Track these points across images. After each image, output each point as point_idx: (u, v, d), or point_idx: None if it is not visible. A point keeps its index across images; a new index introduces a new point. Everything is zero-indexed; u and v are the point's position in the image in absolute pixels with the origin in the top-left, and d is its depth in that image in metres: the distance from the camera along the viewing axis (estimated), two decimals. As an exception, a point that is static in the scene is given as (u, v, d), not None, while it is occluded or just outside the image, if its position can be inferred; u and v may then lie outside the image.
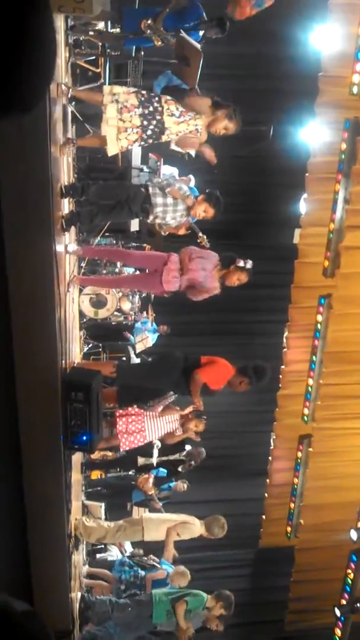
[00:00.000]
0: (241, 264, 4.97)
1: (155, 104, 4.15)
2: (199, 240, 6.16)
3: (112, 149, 4.15)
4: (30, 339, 3.19)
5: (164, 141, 4.43)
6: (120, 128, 4.06)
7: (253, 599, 8.47)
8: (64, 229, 3.81)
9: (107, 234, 7.09)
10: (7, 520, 3.57)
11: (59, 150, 3.82)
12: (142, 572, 6.77)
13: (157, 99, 4.20)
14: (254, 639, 8.12)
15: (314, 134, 7.48)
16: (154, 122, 4.16)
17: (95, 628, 5.41)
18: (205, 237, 6.25)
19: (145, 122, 4.12)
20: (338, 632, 7.19)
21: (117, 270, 7.73)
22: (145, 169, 6.46)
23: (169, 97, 4.29)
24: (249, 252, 7.43)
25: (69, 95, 4.45)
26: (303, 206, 7.80)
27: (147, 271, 5.14)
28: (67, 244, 4.23)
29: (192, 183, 5.40)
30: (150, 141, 4.28)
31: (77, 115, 5.08)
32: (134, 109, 4.06)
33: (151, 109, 4.12)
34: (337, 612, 6.96)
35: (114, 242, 7.99)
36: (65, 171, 4.29)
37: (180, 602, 5.29)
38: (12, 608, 1.26)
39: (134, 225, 6.94)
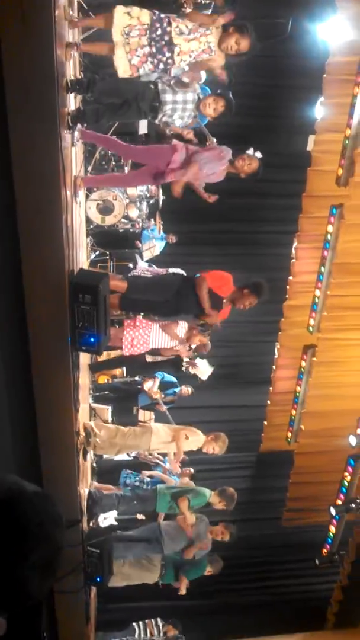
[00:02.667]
0: (250, 151, 4.82)
1: (165, 25, 3.94)
2: (208, 144, 5.99)
3: (121, 67, 3.93)
4: (37, 242, 3.17)
5: (177, 64, 4.18)
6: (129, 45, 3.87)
7: (252, 498, 8.89)
8: (69, 126, 3.68)
9: (114, 137, 6.86)
10: (17, 417, 3.69)
11: (64, 47, 3.63)
12: (147, 478, 7.09)
13: (167, 19, 3.97)
14: (252, 535, 8.57)
15: (334, 31, 7.02)
16: (163, 42, 3.95)
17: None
18: (214, 140, 6.06)
19: (153, 43, 3.92)
20: (332, 529, 7.60)
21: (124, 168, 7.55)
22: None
23: (177, 16, 4.06)
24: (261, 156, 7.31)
25: None
26: (319, 110, 7.48)
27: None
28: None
29: (203, 79, 5.15)
30: (162, 65, 4.05)
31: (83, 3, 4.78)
32: (143, 31, 3.85)
33: (159, 32, 3.91)
34: (333, 511, 7.33)
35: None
36: (71, 66, 4.09)
37: (182, 498, 5.57)
38: (24, 487, 1.31)
39: (142, 127, 6.70)
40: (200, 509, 5.93)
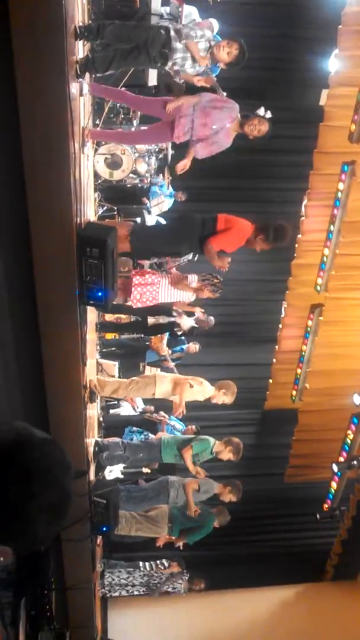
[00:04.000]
0: (261, 111, 4.70)
1: None
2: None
3: None
4: (44, 194, 3.14)
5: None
6: None
7: (256, 454, 9.03)
8: (78, 75, 3.61)
9: (123, 88, 6.72)
10: (25, 370, 3.73)
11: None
12: (152, 436, 7.20)
13: None
14: (255, 490, 8.73)
15: (350, -21, 6.79)
16: None
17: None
18: (224, 94, 5.92)
19: None
20: (334, 485, 7.73)
21: (133, 129, 7.44)
22: (166, 15, 5.98)
23: None
24: (271, 114, 7.15)
25: None
26: (333, 63, 7.27)
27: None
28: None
29: (216, 29, 5.00)
30: None
31: None
32: None
33: None
34: (335, 468, 7.45)
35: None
36: (80, 11, 3.98)
37: (186, 447, 5.65)
38: (33, 432, 1.33)
39: (152, 79, 6.57)
40: (208, 467, 6.03)
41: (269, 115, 4.69)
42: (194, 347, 7.62)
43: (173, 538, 6.22)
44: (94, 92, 5.01)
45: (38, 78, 2.83)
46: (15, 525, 1.20)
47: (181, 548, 6.36)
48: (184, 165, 4.95)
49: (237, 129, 4.76)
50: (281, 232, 4.85)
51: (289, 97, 8.04)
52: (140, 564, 7.52)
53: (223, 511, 6.16)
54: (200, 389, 5.76)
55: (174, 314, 7.01)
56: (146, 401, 7.65)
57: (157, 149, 7.70)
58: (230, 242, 4.85)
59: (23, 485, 1.19)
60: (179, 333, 7.43)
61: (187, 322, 7.26)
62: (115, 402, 7.69)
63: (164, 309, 6.39)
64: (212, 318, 7.43)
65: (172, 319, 6.97)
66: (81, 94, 3.80)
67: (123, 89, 5.54)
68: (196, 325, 7.26)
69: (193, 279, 5.96)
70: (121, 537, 6.26)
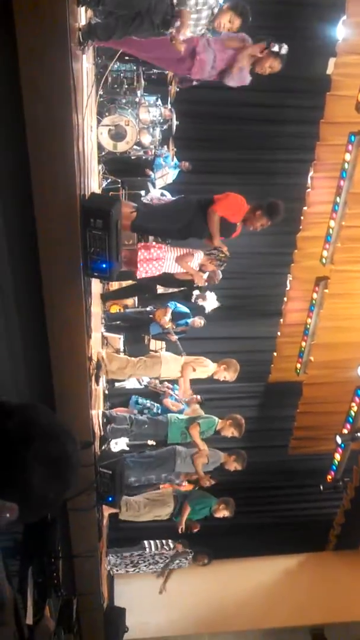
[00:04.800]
0: (275, 48, 4.57)
1: None
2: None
3: None
4: (48, 165, 3.11)
5: None
6: None
7: (260, 427, 9.08)
8: (80, 43, 3.54)
9: (126, 57, 6.61)
10: (30, 342, 3.74)
11: None
12: (158, 405, 7.26)
13: None
14: (259, 462, 8.81)
15: None
16: None
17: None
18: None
19: None
20: (337, 457, 7.79)
21: (136, 100, 7.33)
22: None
23: None
24: (276, 83, 7.02)
25: None
26: (341, 31, 7.09)
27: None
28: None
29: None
30: None
31: None
32: None
33: None
34: (339, 440, 7.50)
35: (134, 67, 7.49)
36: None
37: (193, 424, 5.74)
38: (39, 405, 1.34)
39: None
40: (212, 440, 6.12)
41: (284, 50, 4.54)
42: (199, 321, 7.61)
43: (181, 528, 6.37)
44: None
45: (40, 45, 2.78)
46: (12, 474, 1.21)
47: (194, 531, 6.54)
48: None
49: (249, 60, 4.59)
50: (275, 208, 4.90)
51: (295, 66, 7.80)
52: (145, 543, 7.63)
53: (228, 501, 6.30)
54: (204, 369, 5.85)
55: (194, 297, 7.04)
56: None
57: (161, 120, 7.60)
58: (231, 206, 4.90)
59: (23, 427, 1.22)
60: (195, 295, 7.39)
61: (211, 303, 7.29)
62: (121, 375, 7.73)
63: (173, 280, 6.38)
64: (219, 272, 7.40)
65: (183, 289, 6.97)
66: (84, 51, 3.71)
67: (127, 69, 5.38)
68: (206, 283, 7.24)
69: (199, 256, 5.94)
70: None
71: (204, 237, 5.12)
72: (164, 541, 7.70)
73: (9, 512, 1.16)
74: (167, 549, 7.54)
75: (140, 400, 6.97)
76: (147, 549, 7.50)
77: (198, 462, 5.88)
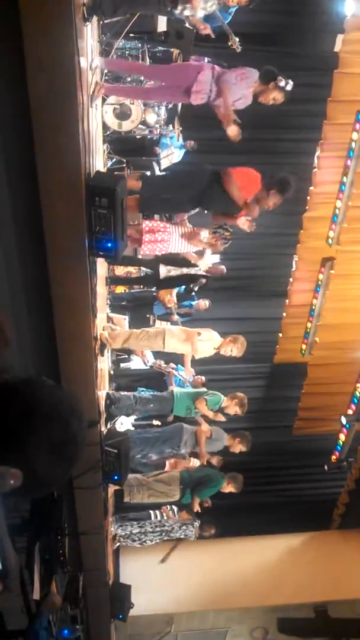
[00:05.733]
0: (282, 83, 4.65)
1: None
2: (230, 44, 5.68)
3: None
4: (52, 143, 3.08)
5: None
6: None
7: (265, 407, 9.12)
8: (85, 18, 3.50)
9: (131, 34, 6.53)
10: (36, 321, 3.75)
11: None
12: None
13: None
14: (264, 442, 8.86)
15: None
16: None
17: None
18: (237, 40, 5.75)
19: None
20: (342, 437, 7.82)
21: (141, 78, 7.25)
22: None
23: None
24: (283, 61, 6.93)
25: None
26: (349, 6, 6.98)
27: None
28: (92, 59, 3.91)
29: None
30: None
31: None
32: None
33: None
34: (343, 420, 7.53)
35: (139, 45, 7.40)
36: None
37: (199, 399, 5.77)
38: (45, 379, 1.33)
39: (161, 24, 6.34)
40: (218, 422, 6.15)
41: (289, 87, 4.61)
42: (203, 303, 7.60)
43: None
44: (108, 67, 4.92)
45: (44, 20, 2.75)
46: (14, 457, 1.19)
47: (196, 510, 6.57)
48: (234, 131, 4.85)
49: (256, 92, 4.69)
50: (286, 184, 4.86)
51: (302, 43, 7.75)
52: (151, 513, 7.70)
53: (236, 477, 6.31)
54: (209, 336, 5.82)
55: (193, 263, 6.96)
56: (156, 356, 7.69)
57: (166, 100, 7.52)
58: (246, 176, 4.89)
59: (25, 417, 1.19)
60: (195, 288, 7.38)
61: (206, 262, 7.21)
62: (126, 356, 7.74)
63: (175, 260, 6.35)
64: (223, 267, 7.38)
65: (185, 271, 6.93)
66: (92, 67, 3.71)
67: (140, 62, 5.41)
68: (209, 274, 7.21)
69: (205, 235, 5.91)
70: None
71: (213, 210, 5.08)
72: (168, 506, 7.77)
73: (13, 479, 1.16)
74: (172, 514, 7.62)
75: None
76: (152, 517, 7.59)
77: (201, 436, 5.92)
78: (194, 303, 7.84)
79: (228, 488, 6.36)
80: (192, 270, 6.92)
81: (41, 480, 1.25)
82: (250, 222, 5.28)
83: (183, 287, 7.40)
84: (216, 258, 7.55)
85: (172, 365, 7.30)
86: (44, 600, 4.01)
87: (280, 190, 4.87)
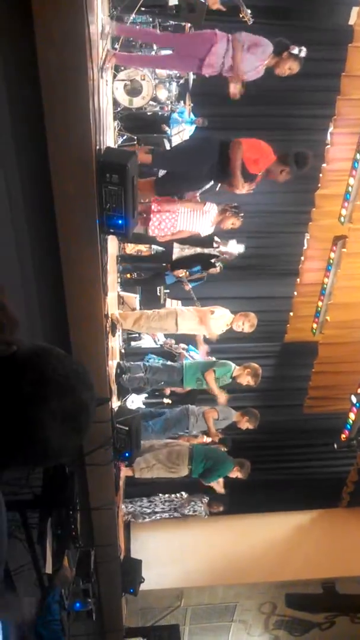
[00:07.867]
0: (295, 51, 4.57)
1: None
2: (241, 16, 5.59)
3: None
4: (63, 120, 3.05)
5: None
6: None
7: (275, 386, 9.12)
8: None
9: (142, 8, 6.42)
10: (47, 300, 3.75)
11: None
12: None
13: None
14: (274, 421, 8.88)
15: None
16: None
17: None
18: (249, 11, 5.65)
19: None
20: (352, 416, 7.80)
21: (153, 52, 7.15)
22: None
23: None
24: (295, 35, 6.78)
25: None
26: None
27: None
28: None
29: None
30: None
31: None
32: None
33: None
34: (354, 399, 7.51)
35: (150, 19, 7.28)
36: None
37: (208, 370, 5.77)
38: (57, 348, 1.32)
39: (173, -3, 6.25)
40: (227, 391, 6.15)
41: (303, 54, 4.51)
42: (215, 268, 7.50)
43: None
44: (119, 33, 4.84)
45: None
46: (27, 430, 1.18)
47: (222, 492, 6.62)
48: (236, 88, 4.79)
49: (271, 65, 4.60)
50: (303, 159, 4.78)
51: (315, 16, 7.60)
52: (160, 494, 7.79)
53: (244, 463, 6.33)
54: (221, 314, 5.81)
55: (214, 244, 6.92)
56: (167, 335, 7.68)
57: (177, 74, 7.42)
58: (257, 148, 4.81)
59: (37, 388, 1.19)
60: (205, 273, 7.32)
61: (233, 248, 7.17)
62: (137, 335, 7.74)
63: (190, 238, 6.30)
64: (236, 252, 7.33)
65: (199, 250, 6.89)
66: (103, 34, 3.65)
67: (150, 28, 5.33)
68: (223, 256, 7.16)
69: (212, 207, 5.86)
70: None
71: (225, 181, 5.01)
72: (177, 493, 7.86)
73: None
74: (181, 495, 7.71)
75: (154, 359, 6.99)
76: (162, 495, 7.68)
77: (209, 417, 5.95)
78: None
79: (235, 473, 6.37)
80: (206, 250, 6.87)
81: (53, 449, 1.23)
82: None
83: (197, 267, 7.35)
84: (241, 247, 7.51)
85: (183, 345, 7.30)
86: (56, 574, 4.08)
87: (298, 164, 4.78)
